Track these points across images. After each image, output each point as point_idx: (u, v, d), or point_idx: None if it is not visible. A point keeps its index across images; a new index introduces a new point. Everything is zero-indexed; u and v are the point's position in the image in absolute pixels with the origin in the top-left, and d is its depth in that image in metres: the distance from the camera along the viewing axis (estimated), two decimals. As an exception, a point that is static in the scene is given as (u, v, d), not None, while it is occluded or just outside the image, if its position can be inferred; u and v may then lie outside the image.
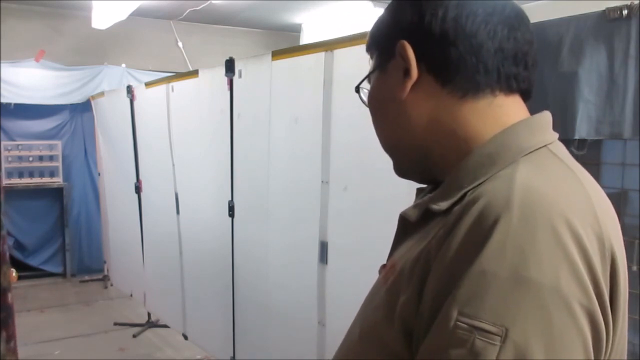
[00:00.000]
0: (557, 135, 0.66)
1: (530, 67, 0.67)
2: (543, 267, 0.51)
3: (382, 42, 0.71)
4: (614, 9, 1.61)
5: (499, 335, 0.50)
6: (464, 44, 0.63)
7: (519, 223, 0.53)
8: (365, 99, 0.76)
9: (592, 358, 0.53)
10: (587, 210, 0.57)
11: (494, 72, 0.64)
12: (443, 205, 0.62)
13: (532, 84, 0.68)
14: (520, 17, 0.66)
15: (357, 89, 0.78)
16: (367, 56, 0.75)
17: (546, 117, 0.67)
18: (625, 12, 1.58)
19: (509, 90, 0.66)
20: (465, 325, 0.52)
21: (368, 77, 0.74)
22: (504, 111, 0.65)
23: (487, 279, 0.52)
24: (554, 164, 0.61)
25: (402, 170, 0.75)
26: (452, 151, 0.66)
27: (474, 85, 0.64)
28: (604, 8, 1.64)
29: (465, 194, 0.60)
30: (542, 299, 0.51)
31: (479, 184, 0.60)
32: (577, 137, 1.74)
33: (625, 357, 0.62)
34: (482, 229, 0.54)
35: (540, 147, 0.62)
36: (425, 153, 0.69)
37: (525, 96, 0.68)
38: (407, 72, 0.66)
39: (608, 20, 1.62)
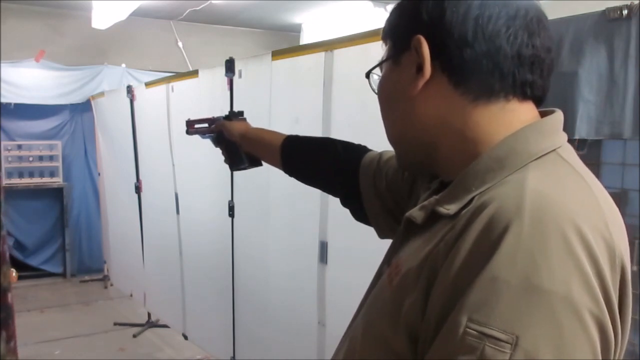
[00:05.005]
0: (566, 136, 0.65)
1: (546, 75, 0.65)
2: (554, 275, 0.51)
3: (398, 33, 0.69)
4: (614, 9, 1.61)
5: (509, 343, 0.50)
6: (482, 46, 0.62)
7: (530, 230, 0.52)
8: (374, 86, 0.75)
9: None
10: (598, 218, 0.56)
11: (509, 77, 0.63)
12: (451, 208, 0.61)
13: (546, 92, 0.67)
14: (541, 23, 0.65)
15: (368, 75, 0.77)
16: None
17: (557, 118, 0.66)
18: (625, 12, 1.59)
19: (522, 96, 0.64)
20: (475, 332, 0.51)
21: (380, 64, 0.73)
22: (515, 116, 0.64)
23: (498, 286, 0.51)
24: (564, 170, 0.60)
25: (405, 163, 0.74)
26: (459, 153, 0.65)
27: (487, 89, 0.63)
28: (604, 8, 1.65)
29: (473, 198, 0.60)
30: (553, 307, 0.50)
31: (487, 188, 0.59)
32: (577, 137, 1.74)
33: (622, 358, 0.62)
34: (492, 235, 0.53)
35: (549, 152, 0.61)
36: (430, 151, 0.68)
37: (538, 103, 0.67)
38: (420, 69, 0.65)
39: (608, 20, 1.63)
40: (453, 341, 0.52)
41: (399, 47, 0.68)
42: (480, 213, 0.56)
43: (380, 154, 1.02)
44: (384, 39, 0.72)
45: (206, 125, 1.44)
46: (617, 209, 0.62)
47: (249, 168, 1.37)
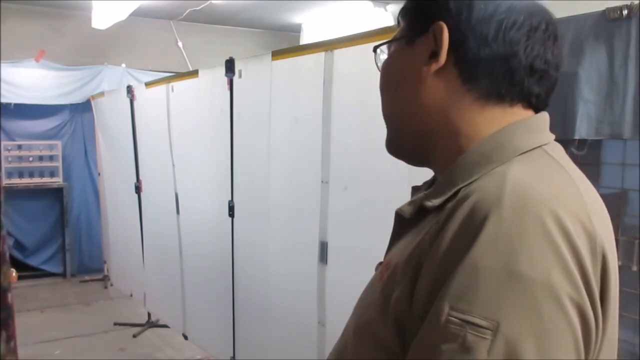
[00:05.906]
0: (553, 136, 0.66)
1: (549, 91, 0.67)
2: (534, 261, 0.52)
3: (419, 14, 0.69)
4: (614, 9, 1.61)
5: (490, 330, 0.50)
6: (500, 49, 0.63)
7: (510, 218, 0.53)
8: (379, 63, 0.75)
9: (582, 352, 0.53)
10: (578, 207, 0.57)
11: (517, 85, 0.64)
12: (436, 201, 0.62)
13: (546, 106, 0.68)
14: (556, 41, 0.66)
15: (375, 50, 0.76)
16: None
17: (544, 117, 0.67)
18: (625, 12, 1.59)
19: (527, 105, 0.66)
20: (457, 320, 0.52)
21: (390, 42, 0.72)
22: (513, 119, 0.65)
23: (478, 274, 0.52)
24: (547, 162, 0.62)
25: (393, 147, 0.74)
26: (452, 148, 0.66)
27: (494, 92, 0.64)
28: (604, 8, 1.65)
29: (458, 191, 0.60)
30: (533, 293, 0.51)
31: (473, 181, 0.60)
32: (577, 137, 1.74)
33: (615, 357, 0.62)
34: (473, 224, 0.54)
35: (535, 148, 0.62)
36: (424, 140, 0.68)
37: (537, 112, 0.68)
38: (433, 55, 0.65)
39: (608, 20, 1.63)
40: (436, 330, 0.53)
41: (416, 30, 0.68)
42: (463, 204, 0.57)
43: None
44: (401, 17, 0.72)
45: None
46: (601, 202, 0.63)
47: None
